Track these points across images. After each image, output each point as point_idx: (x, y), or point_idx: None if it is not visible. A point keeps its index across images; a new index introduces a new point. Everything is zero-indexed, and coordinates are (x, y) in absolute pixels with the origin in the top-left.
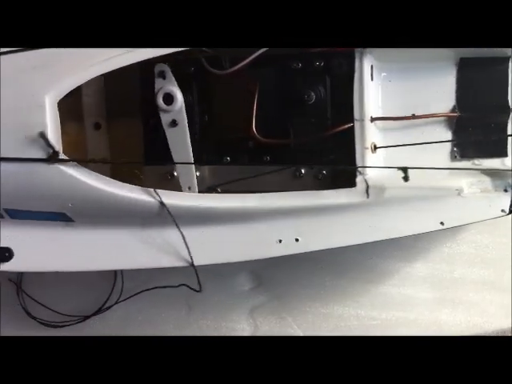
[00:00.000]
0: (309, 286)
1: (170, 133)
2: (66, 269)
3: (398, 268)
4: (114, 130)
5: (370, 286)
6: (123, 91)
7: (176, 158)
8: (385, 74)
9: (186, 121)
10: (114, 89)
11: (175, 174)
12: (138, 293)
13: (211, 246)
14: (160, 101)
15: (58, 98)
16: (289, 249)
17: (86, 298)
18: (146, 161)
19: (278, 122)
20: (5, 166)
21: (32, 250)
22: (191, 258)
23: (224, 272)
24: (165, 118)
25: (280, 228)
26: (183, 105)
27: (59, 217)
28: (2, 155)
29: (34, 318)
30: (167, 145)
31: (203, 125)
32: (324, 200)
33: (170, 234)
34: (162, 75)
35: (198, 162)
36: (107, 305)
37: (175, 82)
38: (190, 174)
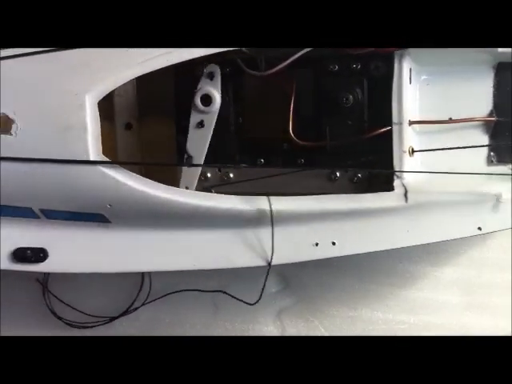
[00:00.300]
0: (337, 289)
1: (193, 133)
2: (101, 270)
3: (426, 272)
4: (145, 131)
5: (399, 290)
6: (155, 91)
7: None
8: (423, 77)
9: (213, 126)
10: (146, 89)
11: (209, 175)
12: (166, 295)
13: (247, 249)
14: (197, 100)
15: (99, 98)
16: (325, 252)
17: (112, 299)
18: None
19: (313, 125)
20: (44, 166)
21: (67, 251)
22: (269, 258)
23: (250, 274)
24: (194, 118)
25: (317, 231)
26: (217, 109)
27: (96, 218)
28: (41, 155)
29: (59, 318)
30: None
31: (237, 126)
32: (362, 203)
33: (200, 236)
34: (211, 76)
35: (233, 163)
36: (134, 306)
37: (219, 86)
38: (193, 175)
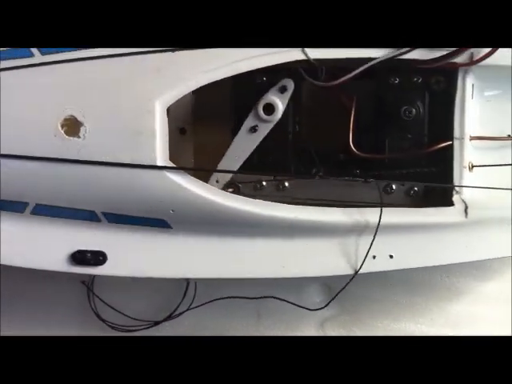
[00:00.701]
0: (381, 302)
1: (243, 136)
2: (160, 275)
3: (471, 287)
4: (199, 136)
5: (444, 304)
6: (211, 96)
7: (225, 160)
8: (485, 93)
9: (265, 135)
10: (202, 94)
11: (264, 184)
12: (212, 301)
13: (304, 259)
14: (260, 107)
15: (168, 105)
16: (382, 265)
17: (156, 303)
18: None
19: (372, 137)
20: (110, 169)
21: (126, 255)
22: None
23: (295, 282)
24: (249, 122)
25: (375, 244)
26: (276, 120)
27: (158, 223)
28: (108, 158)
29: (103, 320)
30: (257, 154)
31: (294, 135)
32: (421, 217)
33: (262, 244)
34: (283, 89)
35: (288, 172)
36: (178, 311)
37: (287, 100)
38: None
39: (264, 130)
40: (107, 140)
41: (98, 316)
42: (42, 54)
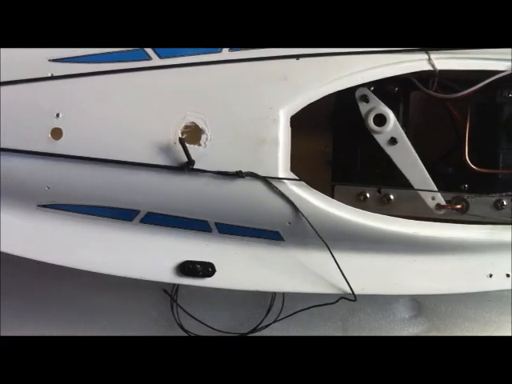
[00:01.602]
0: (474, 320)
1: (391, 151)
2: (269, 289)
3: None
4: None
5: None
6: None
7: (408, 173)
8: None
9: (405, 135)
10: None
11: (368, 195)
12: (295, 312)
13: (419, 276)
14: (371, 123)
15: (292, 114)
16: (499, 284)
17: (240, 315)
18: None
19: (486, 150)
20: (229, 179)
21: (234, 267)
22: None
23: (384, 297)
24: (380, 139)
25: (492, 262)
26: (396, 122)
27: (271, 235)
28: (228, 168)
29: (186, 331)
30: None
31: None
32: None
33: (375, 259)
34: (365, 99)
35: (393, 184)
36: (264, 323)
37: (382, 103)
38: (426, 182)
39: (399, 135)
40: (228, 149)
41: (182, 327)
42: (161, 57)
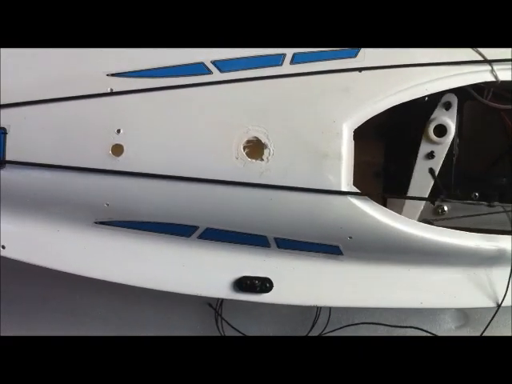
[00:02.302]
0: None
1: (421, 164)
2: (325, 304)
3: None
4: None
5: None
6: None
7: (413, 188)
8: None
9: (443, 158)
10: None
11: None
12: (343, 327)
13: (477, 289)
14: (431, 130)
15: (355, 127)
16: None
17: (285, 328)
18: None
19: None
20: (291, 194)
21: (292, 282)
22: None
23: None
24: (424, 148)
25: None
26: (451, 140)
27: (330, 249)
28: (290, 182)
29: None
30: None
31: (453, 157)
32: None
33: (444, 274)
34: (447, 106)
35: (446, 195)
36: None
37: (456, 116)
38: (416, 207)
39: (441, 153)
40: (291, 163)
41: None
42: (221, 71)
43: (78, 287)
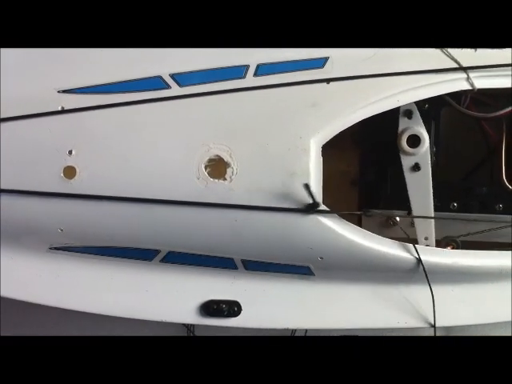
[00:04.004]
0: None
1: (410, 178)
2: (298, 326)
3: None
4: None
5: None
6: None
7: (415, 204)
8: None
9: (430, 165)
10: None
11: (398, 219)
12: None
13: (458, 306)
14: (404, 143)
15: (323, 142)
16: None
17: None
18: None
19: None
20: (256, 214)
21: (262, 305)
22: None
23: None
24: (406, 162)
25: None
26: (428, 148)
27: (300, 270)
28: (255, 202)
29: None
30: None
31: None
32: None
33: (413, 292)
34: (408, 115)
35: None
36: None
37: (422, 124)
38: (428, 223)
39: (425, 163)
40: (256, 182)
41: None
42: (180, 85)
43: None
